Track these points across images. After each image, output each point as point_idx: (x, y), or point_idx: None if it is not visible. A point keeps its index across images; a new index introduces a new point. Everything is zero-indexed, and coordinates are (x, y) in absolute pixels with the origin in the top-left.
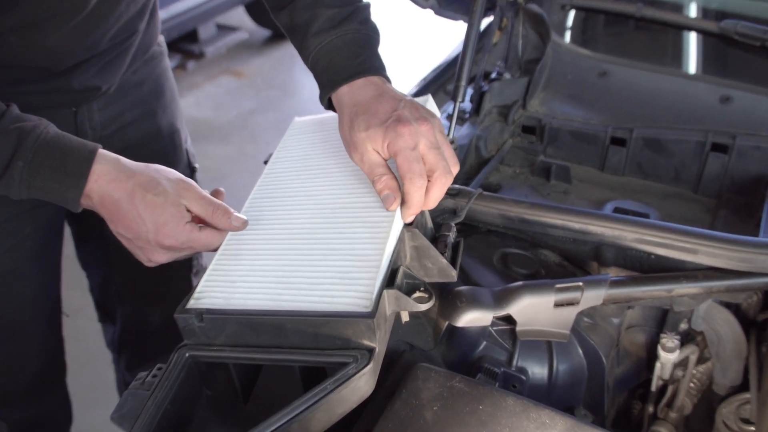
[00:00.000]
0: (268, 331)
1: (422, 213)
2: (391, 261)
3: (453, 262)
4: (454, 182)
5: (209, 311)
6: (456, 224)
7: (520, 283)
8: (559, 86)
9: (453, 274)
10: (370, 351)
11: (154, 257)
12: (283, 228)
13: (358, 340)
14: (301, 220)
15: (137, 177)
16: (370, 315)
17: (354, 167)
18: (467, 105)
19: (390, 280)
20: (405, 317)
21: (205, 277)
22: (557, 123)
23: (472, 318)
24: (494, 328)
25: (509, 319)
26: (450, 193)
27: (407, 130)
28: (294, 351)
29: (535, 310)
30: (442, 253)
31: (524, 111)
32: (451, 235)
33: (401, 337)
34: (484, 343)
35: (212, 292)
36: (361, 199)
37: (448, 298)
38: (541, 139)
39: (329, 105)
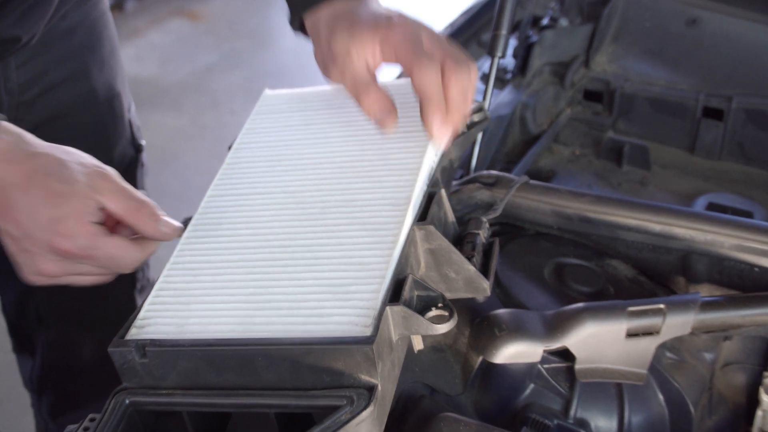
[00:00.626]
0: (234, 367)
1: (440, 204)
2: (396, 269)
3: (485, 270)
4: (492, 167)
5: (155, 342)
6: (490, 221)
7: (580, 305)
8: (634, 37)
9: (485, 287)
10: (370, 389)
11: (42, 266)
12: (254, 233)
13: (354, 374)
14: (278, 223)
15: (40, 158)
16: (368, 340)
17: (348, 156)
18: (509, 62)
19: (395, 294)
20: (418, 345)
21: (149, 298)
22: (632, 87)
23: (515, 352)
24: (545, 365)
25: (565, 354)
26: (485, 182)
27: (403, 26)
28: (269, 393)
29: (601, 341)
30: (470, 258)
31: (587, 70)
32: (482, 234)
33: (419, 377)
34: (532, 385)
35: (160, 317)
36: (359, 197)
37: (482, 324)
38: (609, 108)
39: (301, 27)
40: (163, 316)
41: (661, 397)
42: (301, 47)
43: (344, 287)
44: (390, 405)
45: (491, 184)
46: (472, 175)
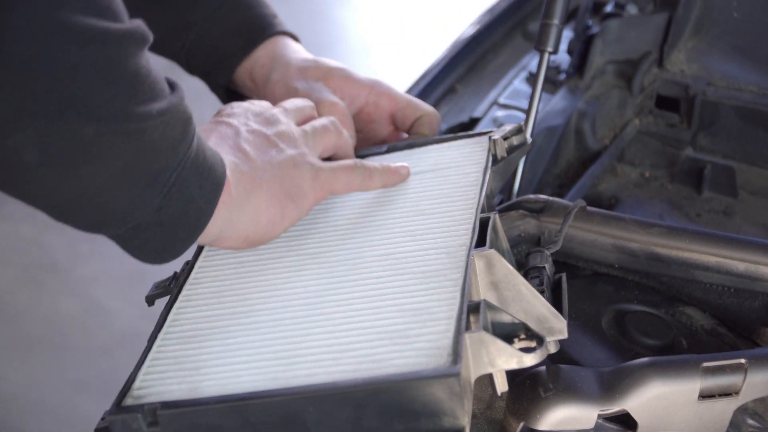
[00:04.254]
0: (277, 424)
1: (496, 231)
2: (464, 303)
3: (557, 309)
4: (540, 191)
5: (169, 404)
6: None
7: (644, 359)
8: (720, 30)
9: (562, 327)
10: None
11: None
12: (268, 295)
13: (435, 417)
14: (298, 283)
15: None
16: (452, 371)
17: (372, 218)
18: (563, 59)
19: (467, 323)
20: (502, 386)
21: (143, 368)
22: (716, 93)
23: (564, 417)
24: None
25: (625, 420)
26: (530, 208)
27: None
28: None
29: (669, 404)
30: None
31: (661, 71)
32: (548, 268)
33: None
34: None
35: (161, 384)
36: (399, 249)
37: (524, 384)
38: (688, 120)
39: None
40: (166, 383)
41: None
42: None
43: (401, 332)
44: None
45: (538, 210)
46: (514, 199)
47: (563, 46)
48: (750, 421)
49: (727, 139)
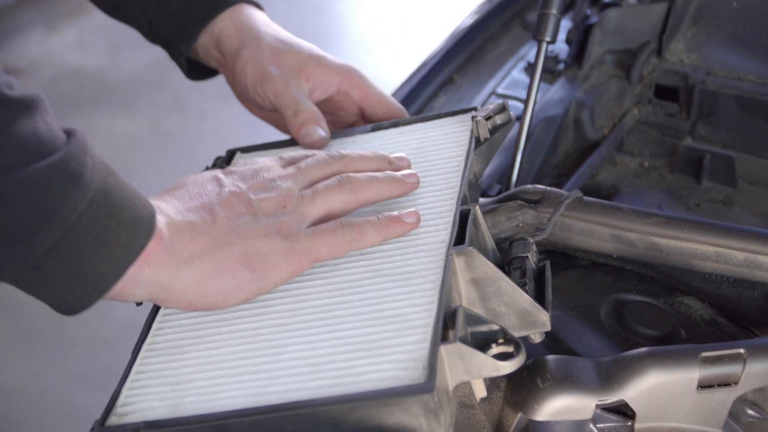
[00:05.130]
0: None
1: (476, 224)
2: (441, 309)
3: (540, 300)
4: (539, 181)
5: (152, 424)
6: (537, 243)
7: (642, 349)
8: (719, 20)
9: (544, 319)
10: None
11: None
12: (250, 304)
13: None
14: (279, 288)
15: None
16: (426, 387)
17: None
18: (562, 48)
19: (443, 331)
20: (480, 392)
21: (127, 383)
22: (715, 83)
23: (562, 407)
24: (599, 425)
25: (623, 411)
26: (528, 199)
27: None
28: None
29: (668, 394)
30: (521, 287)
31: (660, 61)
32: (531, 257)
33: None
34: None
35: (145, 401)
36: (379, 248)
37: (522, 374)
38: (687, 109)
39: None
40: (149, 399)
41: None
42: (293, 29)
43: (379, 342)
44: None
45: (536, 201)
46: (512, 190)
47: (561, 35)
48: (749, 411)
49: (726, 128)
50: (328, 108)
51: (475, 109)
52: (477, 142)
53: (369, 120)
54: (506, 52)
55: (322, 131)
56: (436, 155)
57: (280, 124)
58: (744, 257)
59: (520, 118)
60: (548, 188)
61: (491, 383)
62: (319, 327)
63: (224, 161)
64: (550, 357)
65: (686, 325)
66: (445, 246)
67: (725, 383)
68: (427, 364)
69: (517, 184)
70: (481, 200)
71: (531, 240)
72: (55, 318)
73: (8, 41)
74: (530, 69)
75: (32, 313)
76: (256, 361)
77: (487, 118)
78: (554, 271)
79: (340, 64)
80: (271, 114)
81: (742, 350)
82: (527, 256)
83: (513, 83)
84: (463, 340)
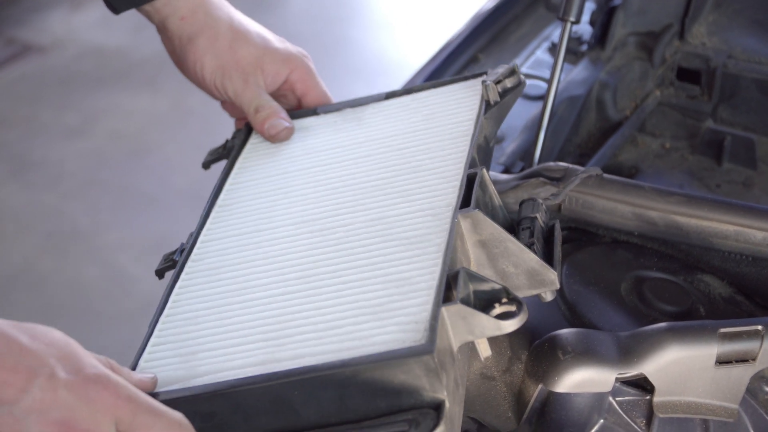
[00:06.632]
0: (266, 409)
1: (483, 187)
2: (444, 272)
3: (548, 259)
4: (561, 160)
5: (165, 394)
6: (549, 207)
7: (662, 324)
8: (741, 3)
9: (553, 278)
10: (436, 407)
11: None
12: (263, 270)
13: (415, 393)
14: (292, 255)
15: None
16: (427, 348)
17: (367, 176)
18: (585, 29)
19: (446, 293)
20: (484, 351)
21: (144, 354)
22: (737, 66)
23: (582, 379)
24: (617, 398)
25: (642, 384)
26: (550, 176)
27: None
28: None
29: (686, 368)
30: (529, 247)
31: (682, 43)
32: (540, 217)
33: (464, 410)
34: (601, 421)
35: (160, 371)
36: (388, 213)
37: (543, 346)
38: (708, 92)
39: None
40: (165, 370)
41: None
42: (314, 10)
43: (384, 305)
44: (461, 426)
45: (558, 178)
46: (534, 167)
47: (585, 17)
48: (767, 389)
49: (747, 111)
50: (272, 95)
51: (485, 73)
52: (487, 105)
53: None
54: (530, 33)
55: (285, 122)
56: (446, 120)
57: (227, 104)
58: (763, 236)
59: (543, 98)
60: (570, 166)
61: (512, 355)
62: (328, 293)
63: (244, 134)
64: (571, 330)
65: (705, 302)
66: (451, 209)
67: (743, 359)
68: (428, 325)
69: (539, 161)
70: (504, 176)
71: (540, 200)
72: (78, 293)
73: (32, 19)
74: (554, 49)
75: (56, 287)
76: (266, 328)
77: (497, 81)
78: (576, 247)
79: (290, 55)
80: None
81: (759, 327)
82: (536, 217)
83: (537, 63)
84: (465, 301)
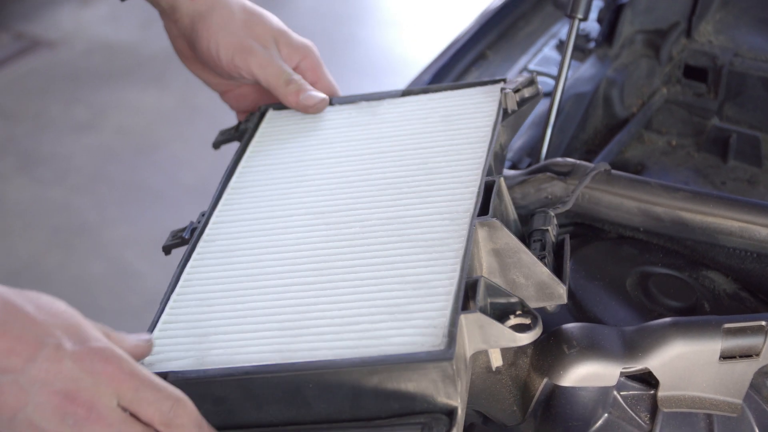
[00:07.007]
0: (279, 399)
1: (500, 196)
2: (463, 279)
3: (558, 273)
4: (568, 156)
5: (176, 375)
6: (559, 215)
7: (667, 319)
8: (747, 2)
9: (561, 292)
10: (450, 413)
11: None
12: (278, 258)
13: (428, 397)
14: (307, 245)
15: None
16: (446, 354)
17: (384, 172)
18: (593, 27)
19: (465, 300)
20: (496, 361)
21: (155, 332)
22: (743, 64)
23: (587, 373)
24: (622, 392)
25: (646, 380)
26: (558, 171)
27: None
28: (324, 428)
29: (690, 363)
30: (540, 260)
31: (689, 41)
32: (551, 231)
33: (469, 403)
34: (606, 415)
35: (171, 350)
36: (406, 213)
37: (548, 341)
38: (715, 90)
39: None
40: (176, 349)
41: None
42: (322, 8)
43: (402, 306)
44: None
45: (565, 174)
46: (542, 163)
47: (593, 14)
48: None
49: (753, 109)
50: None
51: (504, 80)
52: (504, 113)
53: None
54: (538, 30)
55: (320, 94)
56: (463, 124)
57: (233, 93)
58: (767, 233)
59: (551, 94)
60: (577, 161)
61: (518, 350)
62: (344, 288)
63: (258, 117)
64: (576, 324)
65: (710, 298)
66: (468, 216)
67: (747, 354)
68: (447, 331)
69: (546, 157)
70: (511, 172)
71: (552, 213)
72: (83, 288)
73: (41, 14)
74: (562, 46)
75: (62, 283)
76: (281, 318)
77: (516, 90)
78: (582, 243)
79: (301, 43)
80: (226, 82)
81: (764, 323)
82: (548, 230)
83: (544, 60)
84: (483, 311)
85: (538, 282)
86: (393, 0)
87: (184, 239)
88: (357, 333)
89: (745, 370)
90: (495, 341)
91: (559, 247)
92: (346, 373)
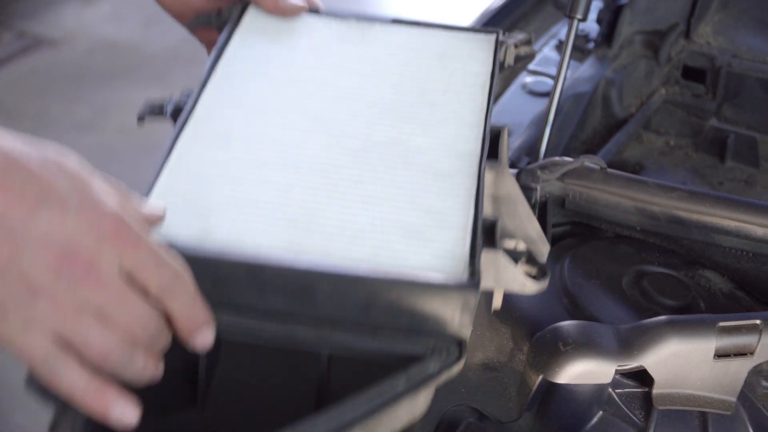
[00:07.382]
0: (284, 291)
1: (502, 147)
2: (479, 216)
3: (542, 228)
4: (566, 155)
5: (178, 248)
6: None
7: (662, 318)
8: (746, 3)
9: (545, 252)
10: (459, 344)
11: None
12: (281, 151)
13: (441, 322)
14: (310, 144)
15: None
16: (473, 284)
17: (383, 94)
18: (592, 27)
19: (486, 238)
20: (497, 303)
21: (152, 198)
22: (741, 65)
23: (582, 370)
24: (617, 390)
25: (641, 377)
26: (555, 171)
27: None
28: (327, 325)
29: (685, 362)
30: None
31: (687, 42)
32: (539, 188)
33: (465, 400)
34: (600, 413)
35: (171, 225)
36: (410, 140)
37: (544, 338)
38: (713, 91)
39: None
40: (174, 222)
41: (751, 430)
42: (329, 7)
43: (416, 229)
44: None
45: (564, 173)
46: (540, 162)
47: (592, 15)
48: (765, 383)
49: (750, 110)
50: None
51: (497, 31)
52: (500, 66)
53: None
54: (538, 30)
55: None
56: (459, 66)
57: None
58: (763, 232)
59: (550, 94)
60: (576, 159)
61: (514, 347)
62: (353, 199)
63: (240, 10)
64: (572, 322)
65: (705, 297)
66: (477, 156)
67: (741, 353)
68: (468, 263)
69: (545, 157)
70: (510, 171)
71: (539, 171)
72: None
73: (44, 12)
74: (561, 47)
75: None
76: (289, 211)
77: (516, 46)
78: (579, 241)
79: None
80: (213, 32)
81: (758, 321)
82: (536, 188)
83: (544, 60)
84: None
85: (526, 237)
86: (393, 0)
87: (163, 110)
88: (371, 244)
89: (740, 368)
90: (505, 283)
91: (542, 211)
92: (365, 282)
